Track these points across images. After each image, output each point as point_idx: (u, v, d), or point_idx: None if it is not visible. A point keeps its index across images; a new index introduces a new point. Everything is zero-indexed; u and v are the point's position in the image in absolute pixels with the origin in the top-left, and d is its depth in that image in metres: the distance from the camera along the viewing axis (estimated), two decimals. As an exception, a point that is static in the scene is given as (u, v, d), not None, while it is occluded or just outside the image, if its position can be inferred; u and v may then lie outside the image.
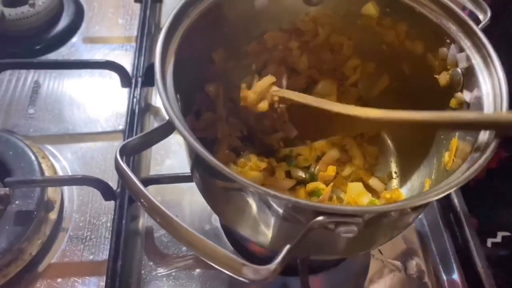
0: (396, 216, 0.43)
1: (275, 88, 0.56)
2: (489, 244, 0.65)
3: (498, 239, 0.66)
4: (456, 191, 0.66)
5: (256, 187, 0.38)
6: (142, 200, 0.38)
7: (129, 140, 0.43)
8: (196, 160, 0.47)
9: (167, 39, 0.47)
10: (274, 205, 0.41)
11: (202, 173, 0.49)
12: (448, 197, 0.66)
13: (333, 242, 0.46)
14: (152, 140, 0.45)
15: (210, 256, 0.37)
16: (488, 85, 0.46)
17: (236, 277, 0.37)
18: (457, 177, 0.39)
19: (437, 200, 0.67)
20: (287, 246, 0.37)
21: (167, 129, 0.45)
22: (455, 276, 0.61)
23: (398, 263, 0.63)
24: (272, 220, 0.45)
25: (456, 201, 0.65)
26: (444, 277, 0.62)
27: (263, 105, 0.56)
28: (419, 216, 0.67)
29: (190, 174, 0.57)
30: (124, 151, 0.42)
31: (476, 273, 0.60)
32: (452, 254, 0.63)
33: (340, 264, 0.62)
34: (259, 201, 0.42)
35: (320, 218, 0.37)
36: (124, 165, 0.40)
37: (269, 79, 0.56)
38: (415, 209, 0.44)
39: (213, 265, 0.37)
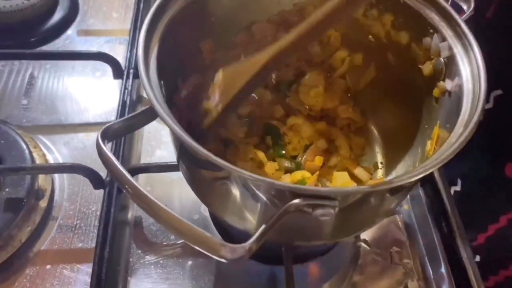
0: (374, 199, 0.44)
1: None
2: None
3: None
4: (445, 183, 0.66)
5: (237, 170, 0.38)
6: (125, 186, 0.39)
7: (111, 123, 0.43)
8: (181, 148, 0.48)
9: (152, 26, 0.48)
10: (256, 190, 0.42)
11: (187, 161, 0.49)
12: (435, 190, 0.66)
13: (313, 227, 0.47)
14: (135, 124, 0.45)
15: (190, 237, 0.37)
16: (468, 72, 0.47)
17: (214, 257, 0.37)
18: (434, 159, 0.39)
19: (425, 193, 0.68)
20: (262, 226, 0.38)
21: (150, 113, 0.45)
22: (441, 267, 0.62)
23: (385, 253, 0.63)
24: (255, 206, 0.45)
25: (443, 192, 0.65)
26: (430, 268, 0.62)
27: None
28: (407, 208, 0.68)
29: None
30: (106, 135, 0.42)
31: (462, 265, 0.60)
32: (438, 246, 0.63)
33: (327, 254, 0.63)
34: (242, 186, 0.43)
35: (296, 200, 0.38)
36: (105, 149, 0.41)
37: None
38: (393, 192, 0.44)
39: (192, 245, 0.38)
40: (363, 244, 0.64)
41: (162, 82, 0.46)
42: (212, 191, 0.49)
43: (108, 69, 0.78)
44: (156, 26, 0.49)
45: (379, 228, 0.65)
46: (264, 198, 0.43)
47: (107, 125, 0.42)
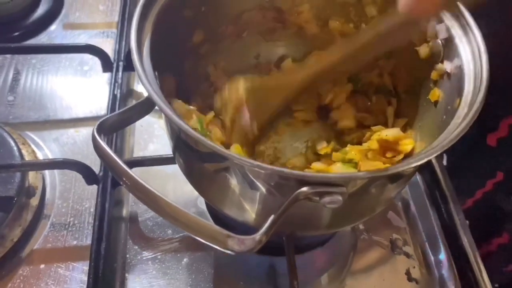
0: (381, 184, 0.43)
1: None
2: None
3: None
4: (442, 168, 0.66)
5: (241, 158, 0.37)
6: (124, 179, 0.38)
7: (107, 117, 0.42)
8: (178, 138, 0.46)
9: (143, 16, 0.47)
10: (258, 178, 0.41)
11: (185, 153, 0.48)
12: (433, 174, 0.66)
13: (317, 216, 0.46)
14: (131, 117, 0.44)
15: (195, 229, 0.36)
16: (468, 53, 0.46)
17: (221, 249, 0.36)
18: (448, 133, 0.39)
19: (423, 178, 0.68)
20: (272, 217, 0.37)
21: (146, 106, 0.44)
22: (442, 253, 0.62)
23: (385, 242, 0.63)
24: (256, 195, 0.44)
25: (441, 177, 0.65)
26: (431, 254, 0.62)
27: None
28: (406, 196, 0.67)
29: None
30: (102, 129, 0.41)
31: (462, 249, 0.60)
32: (438, 232, 0.63)
33: (327, 243, 0.62)
34: (243, 175, 0.42)
35: (304, 188, 0.37)
36: (102, 142, 0.39)
37: None
38: (399, 177, 0.44)
39: (198, 238, 0.36)
40: (362, 233, 0.63)
41: (156, 73, 0.45)
42: (211, 183, 0.48)
43: (95, 63, 0.76)
44: (147, 16, 0.48)
45: (378, 216, 0.64)
46: (268, 188, 0.42)
47: (102, 119, 0.41)
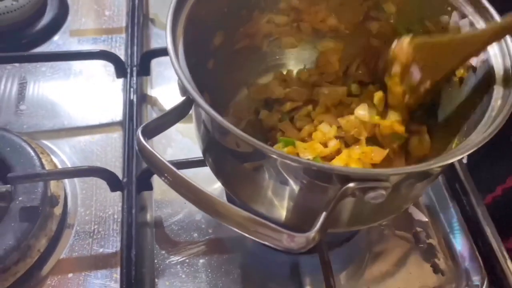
0: (419, 179, 0.43)
1: None
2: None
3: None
4: (459, 160, 0.67)
5: (284, 154, 0.37)
6: (171, 179, 0.38)
7: (148, 122, 0.42)
8: (212, 138, 0.46)
9: (175, 17, 0.47)
10: (302, 175, 0.41)
11: (218, 151, 0.48)
12: (451, 167, 0.67)
13: (353, 212, 0.46)
14: (170, 121, 0.44)
15: (242, 224, 0.36)
16: (495, 47, 0.47)
17: (271, 245, 0.36)
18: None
19: (441, 172, 0.69)
20: (323, 213, 0.37)
21: (184, 107, 0.44)
22: (466, 244, 0.62)
23: (408, 235, 0.64)
24: (292, 192, 0.44)
25: (459, 170, 0.66)
26: (456, 246, 0.63)
27: None
28: (426, 190, 0.68)
29: (198, 159, 0.56)
30: (146, 132, 0.41)
31: (486, 239, 0.61)
32: (460, 223, 0.64)
33: (352, 239, 0.63)
34: (282, 171, 0.42)
35: (351, 184, 0.37)
36: (147, 144, 0.39)
37: None
38: (438, 171, 0.44)
39: (245, 234, 0.36)
40: (385, 228, 0.64)
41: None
42: (246, 181, 0.48)
43: (105, 69, 0.76)
44: (178, 17, 0.48)
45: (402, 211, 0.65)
46: (310, 185, 0.42)
47: (145, 123, 0.41)
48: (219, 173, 0.51)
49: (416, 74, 0.53)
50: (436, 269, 0.61)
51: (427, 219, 0.65)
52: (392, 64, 0.54)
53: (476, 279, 0.60)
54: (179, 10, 0.47)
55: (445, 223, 0.65)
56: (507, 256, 0.59)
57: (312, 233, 0.36)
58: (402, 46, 0.53)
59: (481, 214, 0.62)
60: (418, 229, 0.64)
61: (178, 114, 0.44)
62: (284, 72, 0.65)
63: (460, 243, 0.63)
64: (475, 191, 0.64)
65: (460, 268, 0.61)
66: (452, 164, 0.67)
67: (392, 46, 0.55)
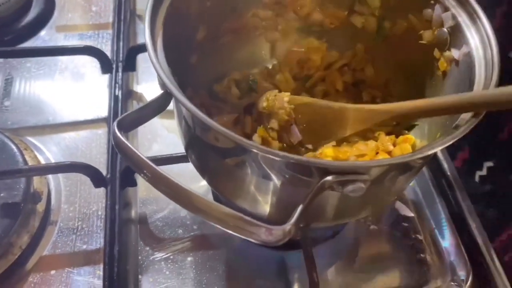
0: (400, 171, 0.43)
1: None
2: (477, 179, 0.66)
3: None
4: (446, 156, 0.67)
5: (262, 148, 0.37)
6: (145, 171, 0.37)
7: (124, 115, 0.41)
8: (194, 133, 0.46)
9: (154, 12, 0.46)
10: (281, 168, 0.41)
11: (200, 146, 0.48)
12: (437, 162, 0.67)
13: (334, 206, 0.46)
14: (148, 114, 0.43)
15: (220, 219, 0.36)
16: (477, 40, 0.47)
17: (247, 238, 0.36)
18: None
19: (428, 167, 0.68)
20: (300, 206, 0.36)
21: (161, 102, 0.43)
22: (451, 239, 0.62)
23: (395, 231, 0.63)
24: (276, 187, 0.44)
25: (446, 165, 0.66)
26: (441, 242, 0.62)
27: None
28: (413, 185, 0.68)
29: (184, 154, 0.56)
30: (122, 126, 0.40)
31: (472, 235, 0.61)
32: (446, 219, 0.64)
33: (337, 235, 0.62)
34: (262, 166, 0.41)
35: (329, 177, 0.37)
36: (123, 138, 0.38)
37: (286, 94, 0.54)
38: (418, 164, 0.44)
39: (225, 229, 0.36)
40: (371, 223, 0.64)
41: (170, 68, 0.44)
42: (228, 176, 0.48)
43: (91, 65, 0.75)
44: (157, 11, 0.47)
45: (386, 206, 0.65)
46: (289, 178, 0.41)
47: (121, 116, 0.40)
48: (201, 169, 0.51)
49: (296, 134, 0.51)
50: (422, 264, 0.60)
51: (413, 215, 0.65)
52: (268, 116, 0.53)
53: (461, 274, 0.60)
54: (159, 4, 0.47)
55: (431, 218, 0.65)
56: (492, 252, 0.59)
57: (288, 225, 0.35)
58: (283, 103, 0.52)
59: (467, 209, 0.62)
60: (405, 224, 0.64)
61: (156, 107, 0.43)
62: (270, 67, 0.65)
63: (446, 239, 0.63)
64: (461, 186, 0.64)
65: (446, 263, 0.61)
66: (438, 160, 0.67)
67: (267, 96, 0.53)
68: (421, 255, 0.61)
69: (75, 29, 0.82)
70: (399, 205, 0.66)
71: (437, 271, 0.60)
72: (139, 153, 0.38)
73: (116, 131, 0.38)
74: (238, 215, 0.35)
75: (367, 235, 0.63)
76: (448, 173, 0.65)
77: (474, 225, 0.61)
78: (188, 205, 0.36)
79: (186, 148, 0.52)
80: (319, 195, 0.38)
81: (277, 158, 0.38)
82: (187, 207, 0.36)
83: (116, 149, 0.39)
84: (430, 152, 0.38)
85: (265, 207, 0.48)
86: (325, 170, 0.37)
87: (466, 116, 0.41)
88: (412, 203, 0.66)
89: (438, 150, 0.38)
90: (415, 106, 0.47)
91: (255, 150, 0.38)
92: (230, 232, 0.37)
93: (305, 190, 0.40)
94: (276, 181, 0.43)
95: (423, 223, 0.64)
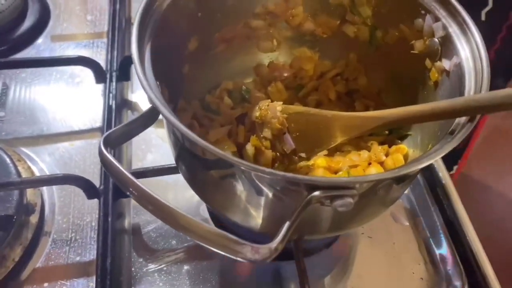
0: (390, 185, 0.43)
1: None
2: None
3: None
4: (440, 165, 0.67)
5: (249, 165, 0.37)
6: (131, 189, 0.37)
7: (111, 130, 0.41)
8: (183, 146, 0.46)
9: (142, 24, 0.46)
10: (268, 184, 0.40)
11: (189, 160, 0.48)
12: (433, 171, 0.66)
13: (326, 219, 0.46)
14: (135, 129, 0.44)
15: (206, 238, 0.36)
16: (467, 51, 0.47)
17: (233, 258, 0.36)
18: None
19: (423, 175, 0.68)
20: (287, 223, 0.36)
21: (150, 116, 0.43)
22: (446, 249, 0.62)
23: (389, 241, 0.63)
24: (264, 201, 0.44)
25: (441, 174, 0.66)
26: (437, 251, 0.62)
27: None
28: (407, 193, 0.68)
29: (175, 165, 0.56)
30: (108, 142, 0.40)
31: (467, 244, 0.61)
32: (441, 228, 0.63)
33: (331, 245, 0.62)
34: (251, 182, 0.41)
35: (316, 193, 0.37)
36: (109, 156, 0.38)
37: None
38: (408, 177, 0.44)
39: (210, 247, 0.36)
40: (365, 233, 0.63)
41: (158, 82, 0.44)
42: (217, 190, 0.48)
43: (87, 74, 0.75)
44: (146, 24, 0.47)
45: (381, 215, 0.64)
46: (277, 193, 0.41)
47: (108, 132, 0.40)
48: (191, 181, 0.51)
49: (289, 143, 0.51)
50: (416, 274, 0.60)
51: (407, 224, 0.64)
52: (261, 126, 0.53)
53: (457, 284, 0.59)
54: (147, 15, 0.47)
55: (426, 227, 0.64)
56: (487, 261, 0.58)
57: (274, 243, 0.35)
58: (275, 112, 0.51)
59: (462, 218, 0.62)
60: (399, 234, 0.63)
61: (144, 122, 0.43)
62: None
63: (441, 248, 0.62)
64: (456, 195, 0.63)
65: (441, 273, 0.60)
66: (433, 169, 0.67)
67: (260, 105, 0.53)
68: (416, 264, 0.61)
69: (70, 38, 0.82)
70: (394, 214, 0.65)
71: (432, 281, 0.60)
72: (124, 171, 0.38)
73: (102, 148, 0.38)
74: (223, 234, 0.35)
75: (361, 245, 0.62)
76: (443, 182, 0.65)
77: (470, 235, 0.60)
78: (173, 223, 0.36)
79: (176, 160, 0.52)
80: (306, 210, 0.38)
81: (264, 175, 0.38)
82: (172, 226, 0.36)
83: (103, 166, 0.39)
84: (414, 169, 0.37)
85: (257, 220, 0.48)
86: (312, 186, 0.37)
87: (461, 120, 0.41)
88: (406, 211, 0.66)
89: (422, 166, 0.38)
90: (407, 112, 0.47)
91: (243, 168, 0.38)
92: (217, 251, 0.36)
93: (294, 204, 0.40)
94: (265, 195, 0.43)
95: (417, 232, 0.64)
